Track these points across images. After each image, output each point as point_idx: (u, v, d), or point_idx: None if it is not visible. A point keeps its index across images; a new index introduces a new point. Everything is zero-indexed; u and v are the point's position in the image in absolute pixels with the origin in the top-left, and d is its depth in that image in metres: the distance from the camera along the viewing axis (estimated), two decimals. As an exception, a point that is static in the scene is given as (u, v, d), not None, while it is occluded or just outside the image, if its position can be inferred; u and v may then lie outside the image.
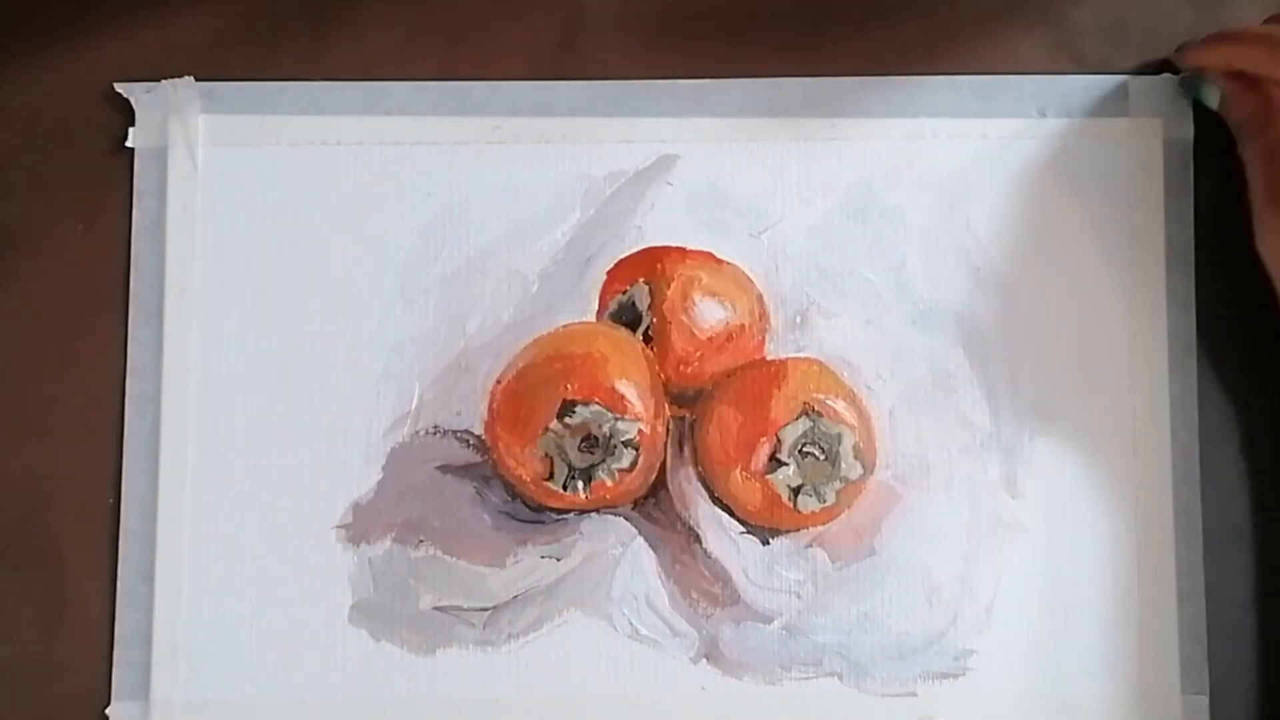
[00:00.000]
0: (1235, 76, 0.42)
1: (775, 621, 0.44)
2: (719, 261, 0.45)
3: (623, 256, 0.45)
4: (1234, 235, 0.45)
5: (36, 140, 0.46)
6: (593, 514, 0.44)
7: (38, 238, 0.45)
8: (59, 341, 0.45)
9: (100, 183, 0.45)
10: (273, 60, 0.46)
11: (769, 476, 0.43)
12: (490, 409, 0.44)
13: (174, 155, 0.45)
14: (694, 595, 0.44)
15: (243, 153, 0.45)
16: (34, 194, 0.45)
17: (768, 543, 0.44)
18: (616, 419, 0.43)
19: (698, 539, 0.44)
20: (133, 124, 0.45)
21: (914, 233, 0.45)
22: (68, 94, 0.46)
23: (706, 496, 0.44)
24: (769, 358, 0.45)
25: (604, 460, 0.43)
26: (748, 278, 0.45)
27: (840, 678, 0.43)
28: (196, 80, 0.45)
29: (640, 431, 0.43)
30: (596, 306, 0.45)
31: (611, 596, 0.44)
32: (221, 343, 0.45)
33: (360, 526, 0.44)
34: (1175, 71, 0.45)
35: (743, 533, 0.44)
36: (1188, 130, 0.45)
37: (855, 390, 0.44)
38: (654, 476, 0.44)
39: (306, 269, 0.45)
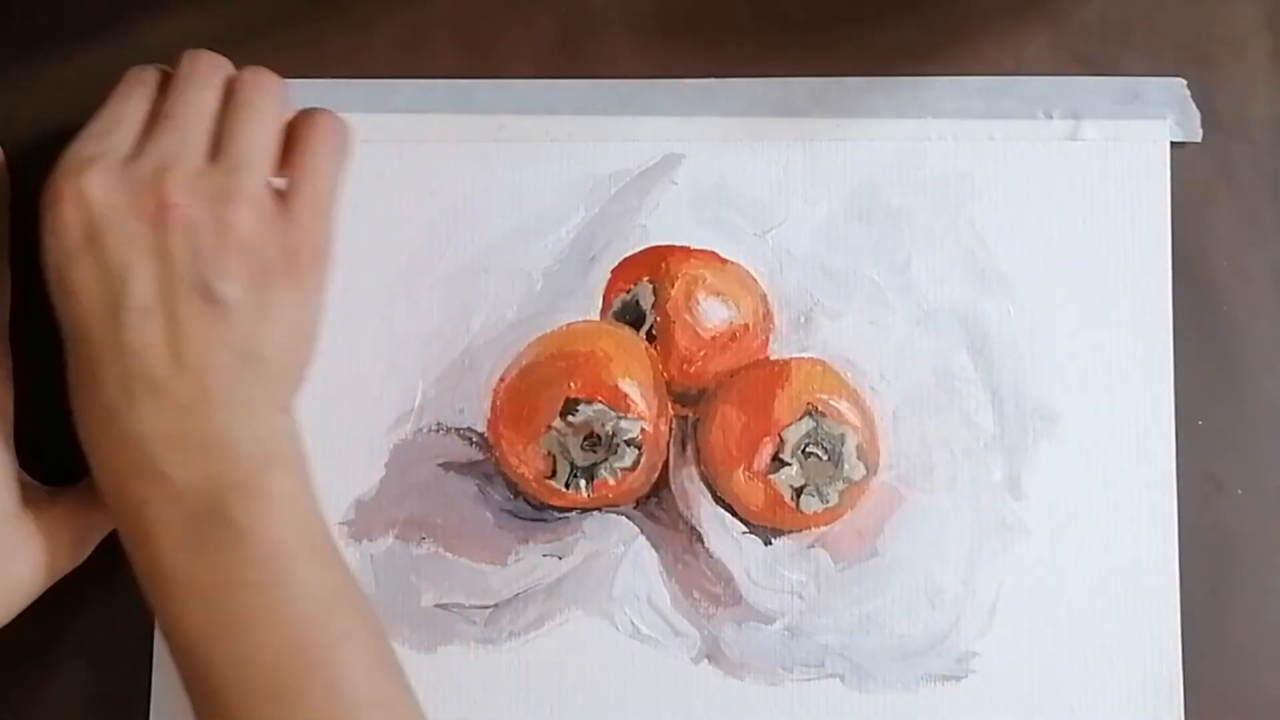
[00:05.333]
0: None
1: (777, 622, 0.44)
2: (723, 261, 0.45)
3: (627, 255, 0.45)
4: (1239, 236, 0.45)
5: (42, 137, 0.46)
6: (595, 513, 0.44)
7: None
8: (61, 340, 0.45)
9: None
10: (276, 57, 0.45)
11: (771, 477, 0.43)
12: (493, 407, 0.44)
13: (179, 151, 0.45)
14: (696, 595, 0.44)
15: (248, 149, 0.45)
16: (41, 189, 0.45)
17: (770, 543, 0.44)
18: (619, 418, 0.43)
19: (700, 539, 0.44)
20: (139, 120, 0.45)
21: (919, 234, 0.45)
22: (73, 90, 0.46)
23: (709, 496, 0.44)
24: (772, 358, 0.45)
25: (606, 459, 0.43)
26: (752, 277, 0.45)
27: (842, 679, 0.43)
28: (202, 76, 0.45)
29: (643, 430, 0.43)
30: (600, 305, 0.45)
31: (613, 595, 0.44)
32: (225, 339, 0.44)
33: (362, 523, 0.44)
34: (1182, 74, 0.45)
35: (745, 533, 0.44)
36: (1195, 132, 0.45)
37: (859, 391, 0.44)
38: (656, 475, 0.44)
39: (311, 265, 0.45)
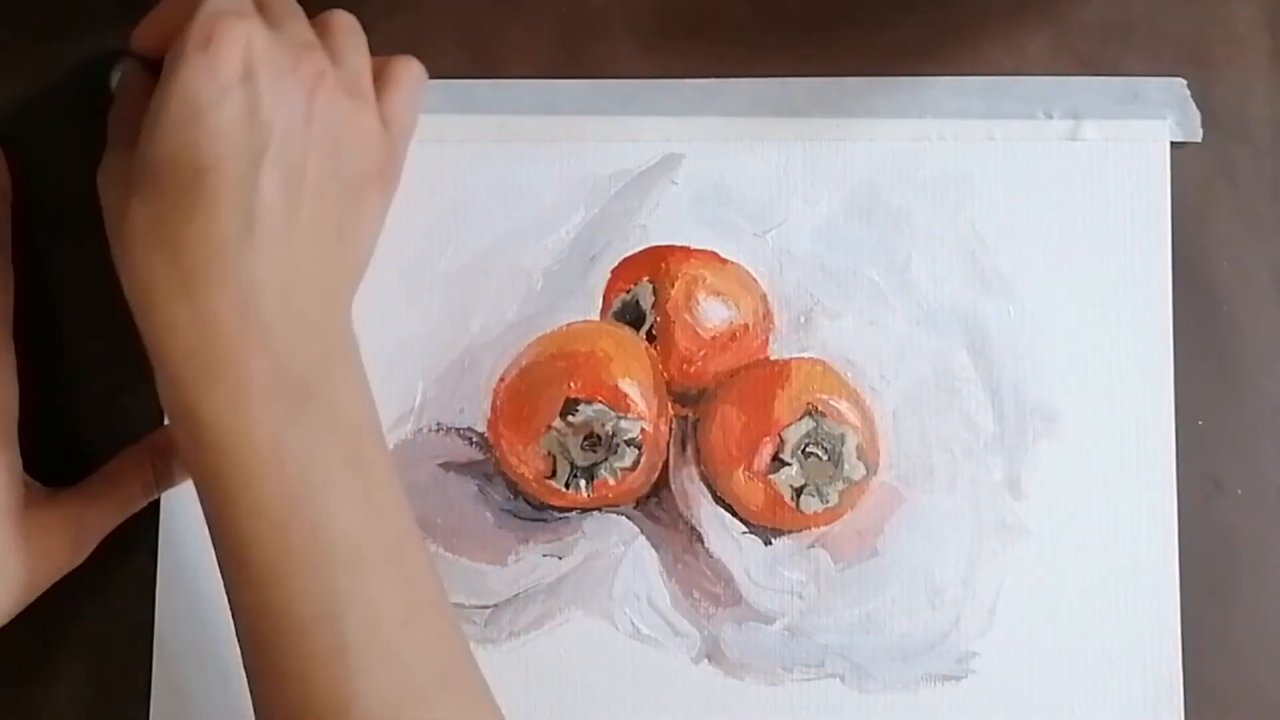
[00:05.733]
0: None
1: (777, 622, 0.44)
2: (723, 261, 0.45)
3: (627, 255, 0.45)
4: (1239, 236, 0.45)
5: (42, 136, 0.46)
6: (595, 512, 0.44)
7: (43, 235, 0.45)
8: (63, 339, 0.45)
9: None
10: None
11: (771, 476, 0.43)
12: (493, 407, 0.44)
13: (179, 151, 0.45)
14: (696, 595, 0.44)
15: (248, 149, 0.45)
16: (40, 187, 0.45)
17: (770, 543, 0.44)
18: (619, 418, 0.43)
19: (700, 539, 0.44)
20: (139, 120, 0.45)
21: (919, 233, 0.45)
22: (73, 90, 0.46)
23: (709, 496, 0.44)
24: (772, 358, 0.45)
25: (606, 459, 0.43)
26: (752, 277, 0.45)
27: (842, 679, 0.43)
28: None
29: (643, 430, 0.43)
30: (600, 305, 0.45)
31: (613, 595, 0.44)
32: (225, 339, 0.44)
33: (362, 523, 0.44)
34: (1182, 74, 0.45)
35: (745, 533, 0.44)
36: (1195, 132, 0.45)
37: (859, 391, 0.44)
38: (656, 475, 0.44)
39: (311, 265, 0.45)
